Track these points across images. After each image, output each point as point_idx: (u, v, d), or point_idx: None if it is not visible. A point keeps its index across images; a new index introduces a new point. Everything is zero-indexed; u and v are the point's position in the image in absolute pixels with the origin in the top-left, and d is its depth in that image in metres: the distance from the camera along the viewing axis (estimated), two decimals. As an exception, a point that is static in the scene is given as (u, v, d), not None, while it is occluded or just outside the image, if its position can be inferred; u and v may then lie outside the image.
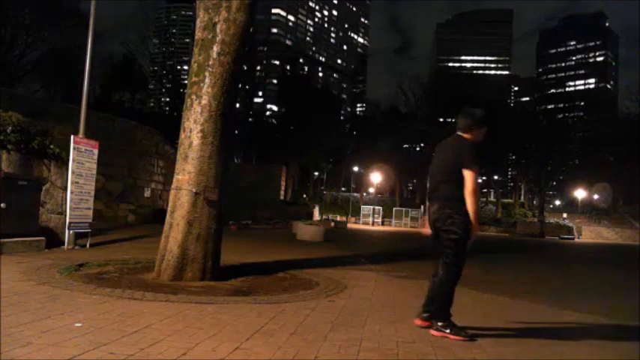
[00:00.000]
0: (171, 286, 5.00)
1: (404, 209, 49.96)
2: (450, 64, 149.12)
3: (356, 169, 64.27)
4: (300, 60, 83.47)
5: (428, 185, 3.83)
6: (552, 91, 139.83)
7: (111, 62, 49.94)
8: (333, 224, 29.96)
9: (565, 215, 58.69)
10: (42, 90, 40.32)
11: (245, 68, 45.84)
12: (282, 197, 37.03)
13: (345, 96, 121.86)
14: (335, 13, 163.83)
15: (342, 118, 73.11)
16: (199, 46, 5.72)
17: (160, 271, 5.38)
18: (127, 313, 3.60)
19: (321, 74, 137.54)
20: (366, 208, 50.70)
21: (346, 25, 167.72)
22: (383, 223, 48.39)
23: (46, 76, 39.56)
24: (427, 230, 3.84)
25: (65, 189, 8.02)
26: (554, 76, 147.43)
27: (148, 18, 56.31)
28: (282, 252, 10.15)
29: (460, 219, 3.51)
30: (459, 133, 3.75)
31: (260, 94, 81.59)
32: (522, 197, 68.41)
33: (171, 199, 5.62)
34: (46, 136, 8.03)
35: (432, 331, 3.56)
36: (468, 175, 3.49)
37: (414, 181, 76.61)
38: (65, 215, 7.87)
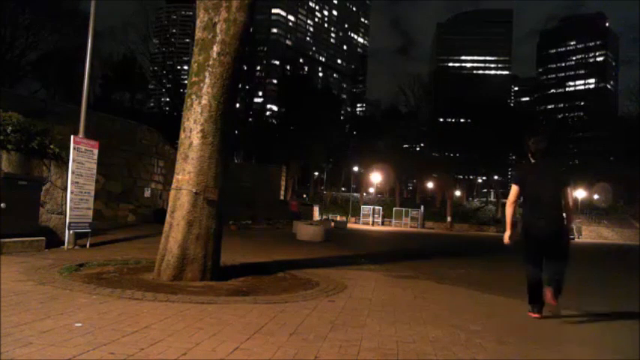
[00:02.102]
0: (171, 286, 5.00)
1: (404, 209, 49.89)
2: (450, 64, 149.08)
3: (356, 169, 64.24)
4: (300, 60, 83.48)
5: (530, 195, 4.64)
6: (552, 91, 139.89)
7: (111, 62, 49.88)
8: (333, 224, 29.91)
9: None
10: (42, 90, 40.31)
11: (245, 68, 45.87)
12: (282, 197, 37.01)
13: (345, 96, 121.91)
14: (335, 13, 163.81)
15: (342, 118, 73.05)
16: (199, 46, 5.72)
17: (160, 271, 5.38)
18: (127, 313, 3.60)
19: (321, 74, 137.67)
20: (366, 208, 50.65)
21: (346, 25, 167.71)
22: (383, 223, 48.35)
23: (46, 76, 39.53)
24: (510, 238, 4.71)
25: (65, 189, 8.03)
26: (554, 76, 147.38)
27: (148, 18, 56.30)
28: (282, 252, 10.15)
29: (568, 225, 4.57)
30: (547, 155, 4.62)
31: (260, 94, 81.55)
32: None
33: (171, 199, 5.62)
34: (46, 136, 8.03)
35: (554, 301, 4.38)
36: (570, 191, 4.60)
37: (414, 181, 76.60)
38: (65, 215, 7.87)
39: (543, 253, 4.51)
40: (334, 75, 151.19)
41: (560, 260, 4.49)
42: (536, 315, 4.58)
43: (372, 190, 68.25)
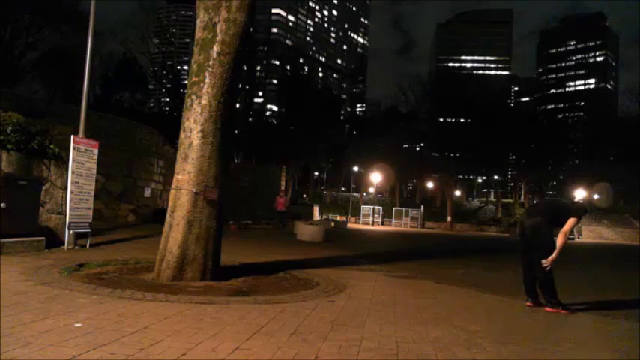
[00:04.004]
0: (171, 286, 5.01)
1: (404, 209, 49.85)
2: (450, 64, 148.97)
3: (356, 169, 64.17)
4: (300, 60, 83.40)
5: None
6: (552, 91, 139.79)
7: (111, 62, 49.85)
8: (333, 224, 29.90)
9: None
10: (42, 90, 40.27)
11: (245, 68, 45.82)
12: (282, 197, 36.88)
13: (345, 96, 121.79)
14: (335, 13, 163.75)
15: (342, 118, 72.96)
16: (199, 46, 5.72)
17: (160, 271, 5.38)
18: (126, 313, 3.61)
19: (321, 74, 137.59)
20: (366, 208, 50.61)
21: (346, 25, 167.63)
22: (383, 223, 48.33)
23: (46, 76, 39.50)
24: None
25: (65, 189, 8.02)
26: (554, 76, 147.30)
27: (148, 18, 56.29)
28: (282, 252, 10.15)
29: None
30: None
31: (260, 94, 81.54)
32: (522, 197, 68.41)
33: (171, 199, 5.62)
34: (46, 136, 8.02)
35: (548, 308, 5.12)
36: (571, 222, 5.31)
37: (414, 181, 76.53)
38: (65, 215, 7.87)
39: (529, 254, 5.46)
40: (334, 75, 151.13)
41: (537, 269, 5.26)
42: (529, 303, 5.33)
43: (372, 190, 68.18)
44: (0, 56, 33.71)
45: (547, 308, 5.13)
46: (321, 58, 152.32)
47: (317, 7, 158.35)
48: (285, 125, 57.95)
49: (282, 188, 30.87)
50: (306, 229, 15.16)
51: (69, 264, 5.88)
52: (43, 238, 7.28)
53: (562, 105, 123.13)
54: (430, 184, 65.21)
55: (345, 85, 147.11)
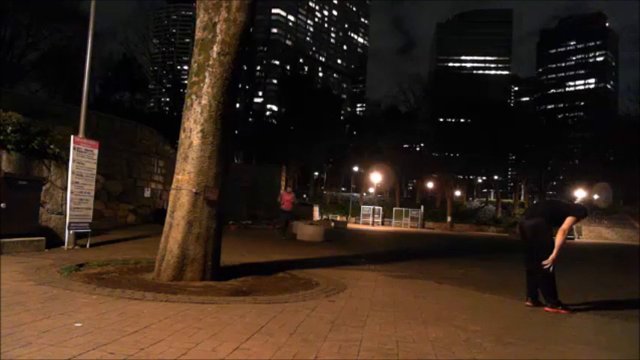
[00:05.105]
0: (171, 286, 5.01)
1: (404, 209, 49.83)
2: (450, 64, 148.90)
3: (356, 169, 64.17)
4: (300, 60, 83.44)
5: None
6: (552, 91, 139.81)
7: (111, 62, 49.86)
8: (333, 224, 29.90)
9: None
10: (42, 90, 40.27)
11: (245, 68, 45.83)
12: (282, 197, 36.80)
13: (345, 96, 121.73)
14: (335, 13, 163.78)
15: (342, 118, 72.96)
16: (199, 46, 5.72)
17: (160, 271, 5.39)
18: (127, 313, 3.60)
19: (321, 74, 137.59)
20: (366, 208, 50.60)
21: (346, 25, 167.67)
22: (383, 223, 48.32)
23: (46, 76, 39.49)
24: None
25: (65, 189, 8.03)
26: (554, 76, 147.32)
27: (148, 18, 56.35)
28: (282, 252, 10.15)
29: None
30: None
31: (260, 94, 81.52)
32: (522, 197, 68.41)
33: (171, 199, 5.62)
34: (46, 136, 8.02)
35: (547, 308, 5.13)
36: (570, 220, 5.33)
37: (414, 181, 76.51)
38: (65, 215, 7.87)
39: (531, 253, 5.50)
40: (334, 75, 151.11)
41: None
42: (529, 303, 5.35)
43: (372, 190, 68.17)
44: (0, 56, 33.70)
45: (547, 308, 5.14)
46: (321, 58, 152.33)
47: (317, 7, 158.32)
48: (285, 125, 57.97)
49: (284, 184, 30.74)
50: (306, 229, 15.17)
51: (69, 264, 5.88)
52: (43, 238, 7.28)
53: (562, 105, 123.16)
54: (430, 184, 65.20)
55: (345, 85, 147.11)
